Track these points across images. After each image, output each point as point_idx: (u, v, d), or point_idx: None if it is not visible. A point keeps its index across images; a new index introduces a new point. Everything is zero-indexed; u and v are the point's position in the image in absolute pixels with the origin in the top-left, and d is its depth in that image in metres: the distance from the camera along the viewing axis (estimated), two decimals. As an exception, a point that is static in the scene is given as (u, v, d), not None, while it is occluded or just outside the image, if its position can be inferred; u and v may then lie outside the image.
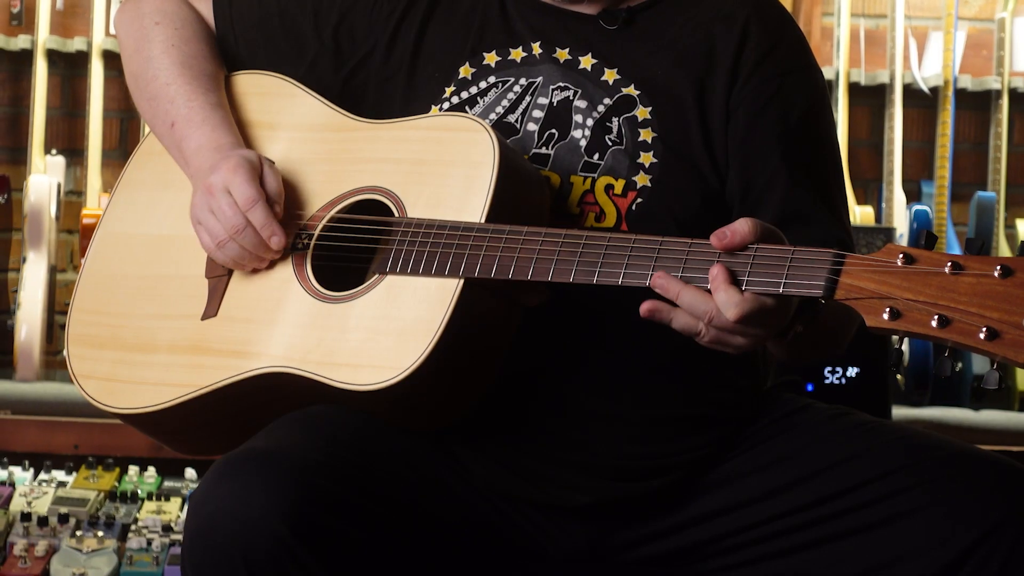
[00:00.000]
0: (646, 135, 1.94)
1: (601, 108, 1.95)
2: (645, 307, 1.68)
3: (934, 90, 4.05)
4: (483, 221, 1.80)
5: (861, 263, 1.60)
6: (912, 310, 1.56)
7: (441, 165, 1.87)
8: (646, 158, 1.93)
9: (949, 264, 1.56)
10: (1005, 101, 4.04)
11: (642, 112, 1.95)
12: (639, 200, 1.91)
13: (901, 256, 1.58)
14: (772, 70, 1.97)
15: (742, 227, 1.67)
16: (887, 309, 1.57)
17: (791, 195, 1.93)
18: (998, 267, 1.54)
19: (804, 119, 1.97)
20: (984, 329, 1.53)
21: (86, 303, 2.04)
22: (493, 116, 1.96)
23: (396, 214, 1.87)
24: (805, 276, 1.62)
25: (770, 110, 1.95)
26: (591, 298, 1.80)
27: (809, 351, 1.90)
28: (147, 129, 2.14)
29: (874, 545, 1.80)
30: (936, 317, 1.55)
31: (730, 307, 1.64)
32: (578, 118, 1.95)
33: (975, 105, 4.14)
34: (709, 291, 1.66)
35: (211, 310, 1.93)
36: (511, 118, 1.96)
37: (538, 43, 1.99)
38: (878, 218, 4.03)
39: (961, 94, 4.06)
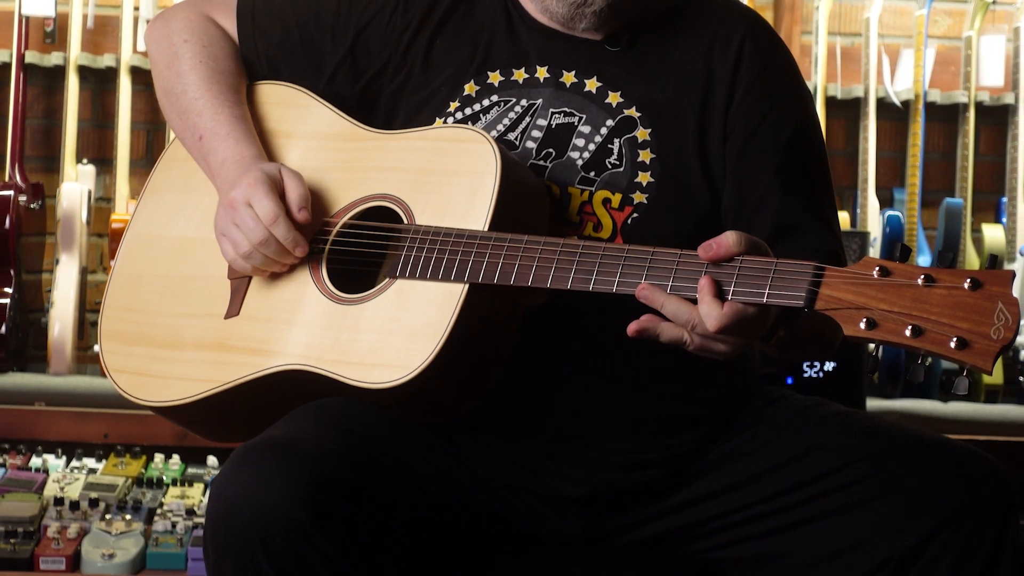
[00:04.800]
0: (645, 156, 1.93)
1: (604, 131, 1.94)
2: (632, 328, 1.67)
3: (905, 103, 4.05)
4: (486, 228, 1.80)
5: (840, 276, 1.59)
6: (887, 320, 1.56)
7: (446, 174, 1.86)
8: (644, 177, 1.92)
9: (922, 277, 1.56)
10: (971, 114, 4.04)
11: (642, 133, 1.94)
12: (635, 215, 1.91)
13: (877, 269, 1.57)
14: (765, 91, 1.96)
15: (727, 239, 1.66)
16: (864, 319, 1.56)
17: (784, 209, 1.93)
18: (968, 280, 1.54)
19: (795, 136, 1.97)
20: (955, 339, 1.52)
21: (117, 301, 2.04)
22: (494, 133, 1.95)
23: (405, 221, 1.87)
24: (787, 287, 1.61)
25: (763, 128, 1.95)
26: (588, 304, 1.80)
27: (795, 351, 1.90)
28: (171, 138, 2.14)
29: (843, 528, 1.81)
30: (910, 327, 1.54)
31: (711, 319, 1.63)
32: (579, 142, 1.94)
33: (943, 117, 4.14)
34: (691, 301, 1.66)
35: (234, 309, 1.93)
36: (511, 136, 1.95)
37: (545, 67, 1.98)
38: (853, 223, 4.03)
39: (931, 107, 4.06)
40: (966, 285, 1.54)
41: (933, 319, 1.54)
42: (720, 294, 1.64)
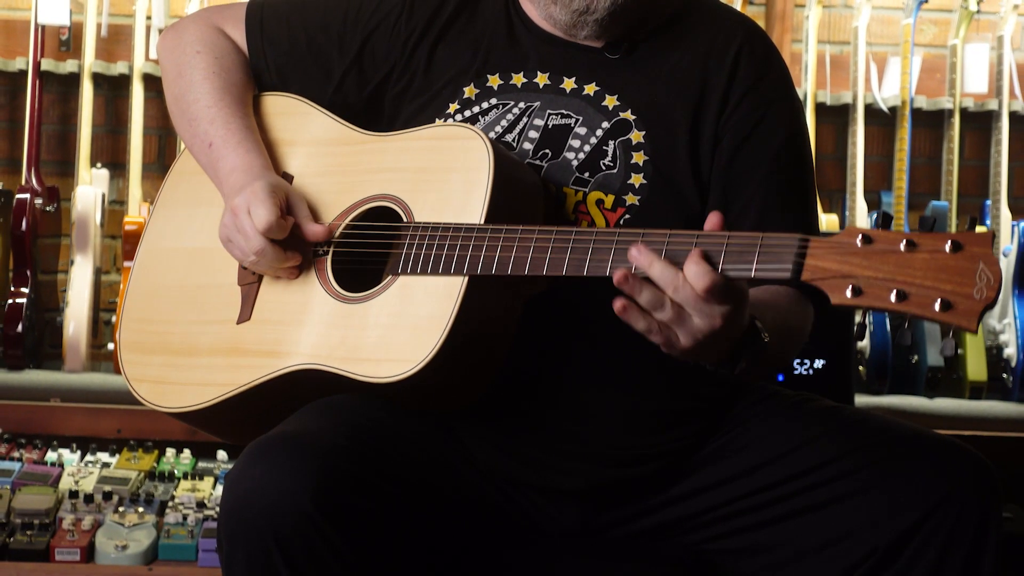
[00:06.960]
0: (638, 158, 1.94)
1: (599, 132, 1.94)
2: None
3: (892, 109, 4.06)
4: (482, 222, 1.80)
5: (824, 245, 1.57)
6: (872, 286, 1.53)
7: (442, 172, 1.87)
8: (636, 179, 1.93)
9: (904, 242, 1.53)
10: (956, 119, 4.05)
11: (636, 136, 1.95)
12: (627, 216, 1.91)
13: (860, 237, 1.55)
14: (757, 101, 1.96)
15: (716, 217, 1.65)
16: (849, 287, 1.54)
17: (767, 216, 1.93)
18: (949, 242, 1.51)
19: (784, 146, 1.97)
20: (939, 301, 1.50)
21: (135, 312, 2.05)
22: (492, 134, 1.96)
23: (404, 219, 1.88)
24: (774, 260, 1.59)
25: (753, 138, 1.95)
26: (587, 301, 1.80)
27: (756, 376, 1.85)
28: (181, 146, 2.15)
29: (832, 519, 1.81)
30: (894, 292, 1.52)
31: (699, 278, 1.59)
32: (575, 143, 1.94)
33: (929, 123, 4.15)
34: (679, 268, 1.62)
35: (245, 314, 1.94)
36: (509, 137, 1.96)
37: (546, 74, 1.99)
38: (842, 225, 4.03)
39: (917, 113, 4.07)
40: (947, 248, 1.51)
41: (917, 283, 1.51)
42: (708, 259, 1.61)
